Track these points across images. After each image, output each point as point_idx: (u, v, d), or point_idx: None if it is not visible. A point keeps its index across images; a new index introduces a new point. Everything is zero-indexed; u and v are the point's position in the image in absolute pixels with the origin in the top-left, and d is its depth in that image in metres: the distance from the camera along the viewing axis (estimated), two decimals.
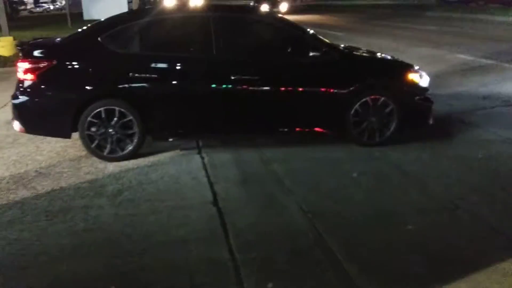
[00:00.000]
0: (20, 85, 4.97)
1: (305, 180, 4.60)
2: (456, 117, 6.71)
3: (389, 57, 6.15)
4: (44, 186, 4.53)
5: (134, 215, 3.90)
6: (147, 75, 5.02)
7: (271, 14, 5.84)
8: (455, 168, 4.88)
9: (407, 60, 6.09)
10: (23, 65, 4.92)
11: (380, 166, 4.98)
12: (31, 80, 4.90)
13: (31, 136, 5.64)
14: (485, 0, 32.22)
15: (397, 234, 3.60)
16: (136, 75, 4.98)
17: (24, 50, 5.08)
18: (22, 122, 5.08)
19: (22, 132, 5.19)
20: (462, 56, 11.81)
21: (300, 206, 4.03)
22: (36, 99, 5.02)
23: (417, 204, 4.08)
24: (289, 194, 4.27)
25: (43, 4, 66.39)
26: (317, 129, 5.45)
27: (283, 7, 33.26)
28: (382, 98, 5.31)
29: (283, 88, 5.19)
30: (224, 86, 5.07)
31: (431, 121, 5.59)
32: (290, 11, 32.03)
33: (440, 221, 3.80)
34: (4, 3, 16.27)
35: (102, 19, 5.73)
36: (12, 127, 5.30)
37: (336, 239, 3.49)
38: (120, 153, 5.09)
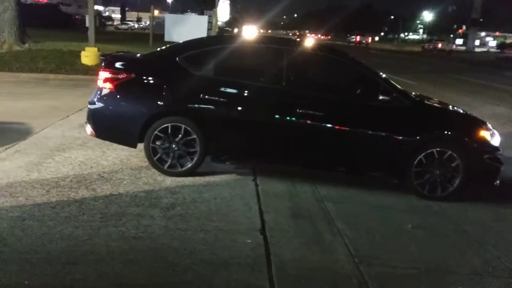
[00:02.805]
0: (98, 92, 5.27)
1: (357, 224, 4.48)
2: None
3: (461, 111, 5.98)
4: (103, 189, 4.72)
5: (183, 230, 3.97)
6: (217, 98, 5.17)
7: (345, 54, 5.83)
8: None
9: (479, 116, 5.89)
10: (104, 74, 5.23)
11: (438, 221, 4.78)
12: (109, 89, 5.19)
13: (100, 141, 5.91)
14: None
15: None
16: (207, 96, 5.15)
17: (107, 61, 5.40)
18: (94, 127, 5.36)
19: (92, 136, 5.48)
20: None
21: (349, 249, 3.93)
22: (110, 107, 5.28)
23: (472, 266, 3.86)
24: (339, 236, 4.18)
25: (129, 22, 70.79)
26: (376, 173, 5.34)
27: None
28: (449, 152, 5.14)
29: (347, 128, 5.15)
30: (288, 118, 5.12)
31: (497, 182, 5.33)
32: None
33: (494, 287, 3.57)
34: (94, 17, 17.49)
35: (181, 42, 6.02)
36: (84, 130, 5.60)
37: None
38: (179, 169, 5.23)
